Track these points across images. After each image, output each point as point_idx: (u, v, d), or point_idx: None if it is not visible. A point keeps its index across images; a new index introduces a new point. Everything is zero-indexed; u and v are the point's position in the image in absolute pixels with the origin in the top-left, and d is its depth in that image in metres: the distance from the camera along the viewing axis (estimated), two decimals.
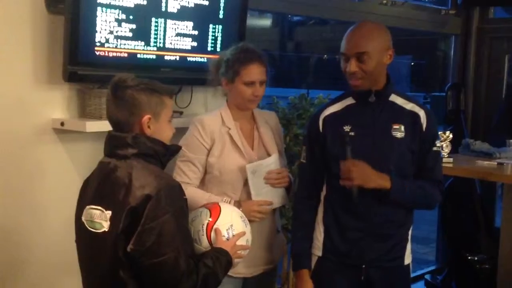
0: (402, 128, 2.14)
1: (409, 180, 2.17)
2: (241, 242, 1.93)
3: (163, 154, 1.79)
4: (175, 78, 2.66)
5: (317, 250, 2.23)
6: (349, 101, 2.21)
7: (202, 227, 1.90)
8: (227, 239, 1.89)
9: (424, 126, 2.17)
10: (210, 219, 1.92)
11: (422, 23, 4.70)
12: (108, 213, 1.70)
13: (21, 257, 2.41)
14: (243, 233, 1.95)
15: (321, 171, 2.22)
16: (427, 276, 4.54)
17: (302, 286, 2.24)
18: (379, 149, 2.13)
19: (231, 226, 1.93)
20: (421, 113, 2.18)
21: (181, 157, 2.28)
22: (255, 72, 2.27)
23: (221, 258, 1.80)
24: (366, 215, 2.14)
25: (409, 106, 2.19)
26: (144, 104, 1.74)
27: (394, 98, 2.19)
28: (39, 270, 2.46)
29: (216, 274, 1.77)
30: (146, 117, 1.74)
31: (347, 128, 2.14)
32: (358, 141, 2.12)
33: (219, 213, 1.94)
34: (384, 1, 4.23)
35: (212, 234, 1.89)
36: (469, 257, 3.96)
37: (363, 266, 2.16)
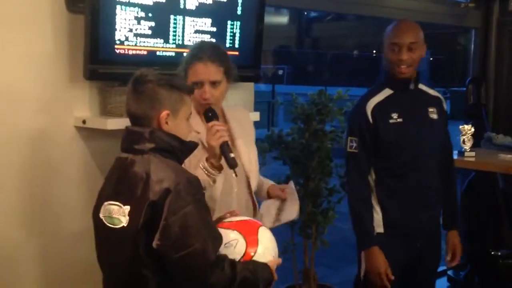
0: (435, 110, 2.54)
1: None
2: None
3: (180, 150, 1.79)
4: None
5: (378, 227, 2.49)
6: (387, 91, 2.50)
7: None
8: None
9: (445, 108, 2.62)
10: (245, 252, 1.77)
11: (441, 17, 4.65)
12: (127, 208, 1.70)
13: (43, 254, 2.44)
14: (280, 262, 1.86)
15: (370, 158, 2.49)
16: (450, 272, 4.50)
17: (377, 263, 2.44)
18: (424, 132, 2.49)
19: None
20: (441, 97, 2.63)
21: None
22: (201, 71, 2.04)
23: (264, 271, 1.75)
24: (418, 188, 2.48)
25: (431, 91, 2.59)
26: (164, 100, 1.74)
27: (421, 85, 2.55)
28: (60, 267, 2.49)
29: (257, 281, 1.72)
30: (164, 113, 1.74)
31: (395, 115, 2.45)
32: (406, 126, 2.45)
33: (257, 245, 1.79)
34: None
35: None
36: (492, 252, 3.92)
37: (419, 233, 2.50)
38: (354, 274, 2.74)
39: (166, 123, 1.75)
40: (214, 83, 2.06)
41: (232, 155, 1.98)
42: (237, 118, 2.26)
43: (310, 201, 3.45)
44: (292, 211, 2.28)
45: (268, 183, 2.38)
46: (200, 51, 2.08)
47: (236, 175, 2.03)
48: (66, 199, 2.48)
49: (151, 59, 2.49)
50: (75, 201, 2.49)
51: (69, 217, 2.49)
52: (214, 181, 1.99)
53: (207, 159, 1.99)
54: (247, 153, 2.21)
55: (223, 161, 1.99)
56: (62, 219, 2.48)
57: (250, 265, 1.74)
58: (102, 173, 2.47)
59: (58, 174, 2.45)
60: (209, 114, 2.05)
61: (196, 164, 2.01)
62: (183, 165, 1.84)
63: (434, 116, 2.53)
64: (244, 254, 1.76)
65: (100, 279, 1.87)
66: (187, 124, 1.83)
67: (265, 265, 1.78)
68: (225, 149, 1.96)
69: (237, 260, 1.74)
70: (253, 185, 2.22)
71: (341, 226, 3.58)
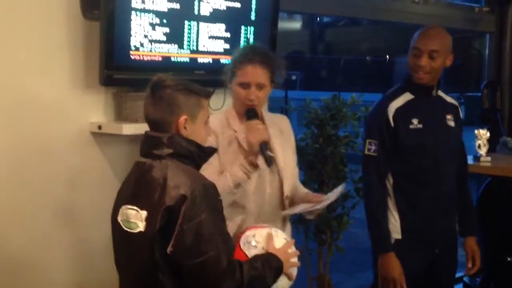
0: (452, 118, 2.54)
1: None
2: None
3: (198, 155, 1.79)
4: (208, 80, 2.67)
5: (396, 233, 2.46)
6: (408, 96, 2.48)
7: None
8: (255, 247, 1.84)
9: (461, 116, 2.61)
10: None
11: (455, 22, 4.63)
12: (144, 213, 1.71)
13: (58, 258, 2.46)
14: (293, 241, 1.91)
15: (388, 162, 2.47)
16: (466, 279, 4.45)
17: (393, 269, 2.41)
18: (443, 139, 2.49)
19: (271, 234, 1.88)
20: (457, 105, 2.62)
21: None
22: (251, 73, 2.11)
23: (271, 262, 1.77)
24: (436, 194, 2.47)
25: (448, 98, 2.58)
26: (182, 105, 1.75)
27: (439, 92, 2.55)
28: (75, 271, 2.51)
29: (264, 278, 1.74)
30: (183, 118, 1.75)
31: (415, 121, 2.43)
32: (426, 132, 2.45)
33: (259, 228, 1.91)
34: (417, 0, 4.18)
35: (243, 240, 1.86)
36: (509, 259, 3.87)
37: (437, 239, 2.50)
38: (368, 280, 2.73)
39: (185, 128, 1.76)
40: (260, 86, 2.13)
41: (270, 153, 2.07)
42: (277, 124, 2.30)
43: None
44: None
45: (305, 191, 2.34)
46: (252, 54, 2.14)
47: (268, 166, 2.10)
48: (81, 204, 2.50)
49: (166, 65, 2.51)
50: (90, 206, 2.50)
51: (85, 221, 2.51)
52: (249, 178, 2.06)
53: (245, 157, 2.05)
54: (283, 158, 2.23)
55: (260, 161, 2.06)
56: (78, 224, 2.49)
57: (258, 262, 1.75)
58: (117, 178, 2.49)
59: (74, 179, 2.47)
60: (251, 113, 2.12)
61: (231, 160, 2.07)
62: (202, 167, 1.84)
63: (452, 124, 2.53)
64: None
65: (117, 283, 1.88)
66: (205, 129, 1.83)
67: (271, 255, 1.79)
68: (264, 147, 2.06)
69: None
70: (286, 190, 2.22)
71: (355, 232, 3.57)
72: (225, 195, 1.98)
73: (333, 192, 2.28)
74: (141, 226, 1.71)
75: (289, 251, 1.88)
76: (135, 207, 1.74)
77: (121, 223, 1.78)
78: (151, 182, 1.72)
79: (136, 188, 1.77)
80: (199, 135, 1.80)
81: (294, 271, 1.91)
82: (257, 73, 2.11)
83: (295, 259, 1.91)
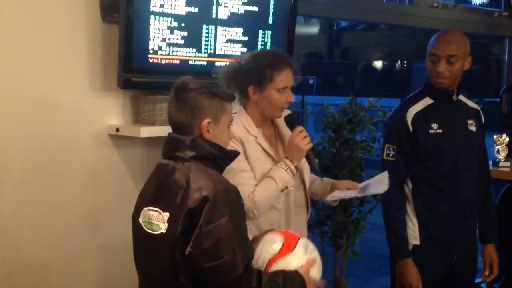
0: (474, 122, 2.50)
1: None
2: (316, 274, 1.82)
3: (221, 158, 1.79)
4: None
5: (414, 239, 2.44)
6: (428, 100, 2.46)
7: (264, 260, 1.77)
8: None
9: (483, 120, 2.57)
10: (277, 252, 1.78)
11: (474, 26, 4.59)
12: (166, 215, 1.71)
13: (77, 260, 2.48)
14: (314, 261, 1.83)
15: (407, 167, 2.45)
16: (483, 285, 4.41)
17: (410, 275, 2.39)
18: (463, 144, 2.45)
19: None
20: (480, 109, 2.58)
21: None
22: (289, 77, 2.14)
23: (294, 282, 1.72)
24: (456, 200, 2.44)
25: (470, 103, 2.55)
26: (205, 108, 1.75)
27: (461, 96, 2.51)
28: (93, 272, 2.52)
29: None
30: (206, 121, 1.75)
31: (434, 126, 2.41)
32: (446, 137, 2.42)
33: (293, 248, 1.79)
34: (435, 4, 4.16)
35: (303, 243, 1.81)
36: None
37: (456, 246, 2.46)
38: (384, 286, 2.71)
39: (208, 131, 1.76)
40: (291, 89, 2.18)
41: (316, 160, 2.16)
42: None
43: (341, 210, 3.43)
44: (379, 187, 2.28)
45: (323, 179, 2.37)
46: (285, 58, 2.17)
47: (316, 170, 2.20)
48: (100, 205, 2.52)
49: (184, 68, 2.52)
50: (108, 207, 2.53)
51: (102, 222, 2.52)
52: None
53: (289, 160, 2.09)
54: None
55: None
56: (95, 225, 2.51)
57: (280, 278, 1.70)
58: (134, 180, 2.52)
59: (92, 181, 2.50)
60: (293, 119, 2.16)
61: (256, 166, 2.08)
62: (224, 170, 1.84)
63: (473, 128, 2.50)
64: (278, 252, 1.77)
65: (136, 284, 1.88)
66: (228, 132, 1.83)
67: (296, 275, 1.74)
68: (311, 154, 2.13)
69: (270, 256, 1.75)
70: (307, 183, 2.28)
71: (371, 237, 3.55)
72: (271, 199, 2.04)
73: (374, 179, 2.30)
74: (163, 228, 1.71)
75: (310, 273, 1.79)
76: (158, 209, 1.74)
77: (142, 224, 1.78)
78: (174, 184, 1.72)
79: (159, 190, 1.77)
80: (222, 138, 1.80)
81: None
82: (291, 76, 2.15)
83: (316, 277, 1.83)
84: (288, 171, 2.07)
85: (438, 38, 2.42)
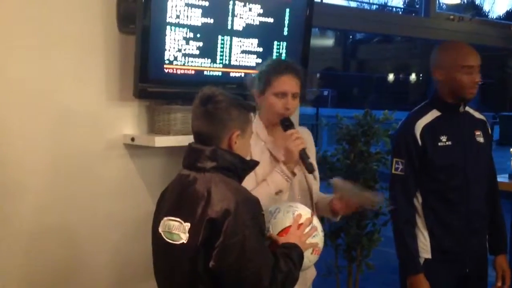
0: (481, 133, 2.50)
1: None
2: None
3: (242, 169, 1.79)
4: (240, 94, 2.69)
5: (425, 253, 2.43)
6: (435, 113, 2.46)
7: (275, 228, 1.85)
8: None
9: (489, 131, 2.59)
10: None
11: (490, 39, 4.58)
12: (187, 225, 1.71)
13: (95, 270, 2.48)
14: (309, 221, 1.86)
15: (417, 181, 2.43)
16: None
17: None
18: (472, 155, 2.45)
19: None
20: (486, 120, 2.59)
21: None
22: (288, 83, 2.15)
23: (292, 255, 1.75)
24: (466, 213, 2.42)
25: (476, 114, 2.55)
26: (236, 119, 1.76)
27: (467, 108, 2.51)
28: (112, 282, 2.53)
29: (292, 274, 1.72)
30: (236, 134, 1.76)
31: (443, 138, 2.40)
32: (455, 149, 2.41)
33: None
34: (452, 17, 4.16)
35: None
36: None
37: (467, 259, 2.45)
38: None
39: (235, 142, 1.77)
40: (295, 96, 2.17)
41: (310, 160, 2.12)
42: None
43: (354, 223, 3.41)
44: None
45: (330, 196, 2.33)
46: (287, 65, 2.20)
47: (311, 174, 2.17)
48: (114, 214, 2.52)
49: (199, 78, 2.53)
50: (123, 216, 2.53)
51: (118, 232, 2.53)
52: (289, 184, 2.11)
53: (284, 164, 2.09)
54: None
55: (296, 169, 2.10)
56: (111, 234, 2.52)
57: (281, 261, 1.70)
58: (149, 189, 2.52)
59: (107, 190, 2.50)
60: (287, 122, 2.16)
61: (264, 171, 2.09)
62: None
63: (481, 140, 2.50)
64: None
65: None
66: (249, 143, 1.85)
67: (290, 246, 1.76)
68: (304, 154, 2.10)
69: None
70: (314, 197, 2.27)
71: (386, 251, 3.52)
72: (266, 202, 2.00)
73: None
74: (183, 238, 1.70)
75: (306, 229, 1.83)
76: (178, 219, 1.73)
77: (162, 234, 1.77)
78: (194, 195, 1.72)
79: (179, 200, 1.77)
80: (244, 149, 1.82)
81: (316, 239, 1.86)
82: (293, 83, 2.16)
83: (314, 239, 1.85)
84: (282, 174, 2.08)
85: (465, 50, 2.42)
